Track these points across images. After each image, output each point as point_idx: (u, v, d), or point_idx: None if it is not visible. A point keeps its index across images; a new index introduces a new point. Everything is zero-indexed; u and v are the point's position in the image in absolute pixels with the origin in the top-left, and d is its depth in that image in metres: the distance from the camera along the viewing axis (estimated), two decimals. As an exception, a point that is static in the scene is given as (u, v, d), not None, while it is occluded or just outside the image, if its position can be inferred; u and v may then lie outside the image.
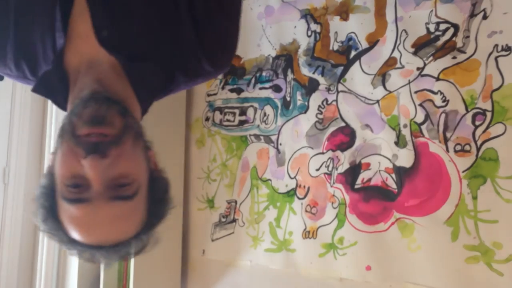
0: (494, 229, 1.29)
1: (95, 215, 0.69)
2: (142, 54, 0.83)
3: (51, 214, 0.71)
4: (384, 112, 1.54)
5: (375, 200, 1.52)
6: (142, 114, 0.84)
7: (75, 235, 0.70)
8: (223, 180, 1.96)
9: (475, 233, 1.32)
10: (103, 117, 0.69)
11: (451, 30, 1.42)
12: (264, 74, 1.88)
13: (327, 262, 1.60)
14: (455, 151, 1.39)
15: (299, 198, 1.71)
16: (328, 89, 1.68)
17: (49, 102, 2.21)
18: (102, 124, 0.68)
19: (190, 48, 0.84)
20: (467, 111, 1.37)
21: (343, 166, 1.61)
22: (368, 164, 1.55)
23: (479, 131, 1.35)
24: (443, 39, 1.44)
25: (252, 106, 1.90)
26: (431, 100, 1.44)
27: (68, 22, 0.80)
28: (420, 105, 1.46)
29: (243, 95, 1.94)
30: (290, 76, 1.79)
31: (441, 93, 1.43)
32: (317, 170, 1.67)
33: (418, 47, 1.49)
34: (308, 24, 1.76)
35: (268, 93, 1.85)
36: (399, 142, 1.49)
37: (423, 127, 1.45)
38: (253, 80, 1.91)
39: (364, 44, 1.61)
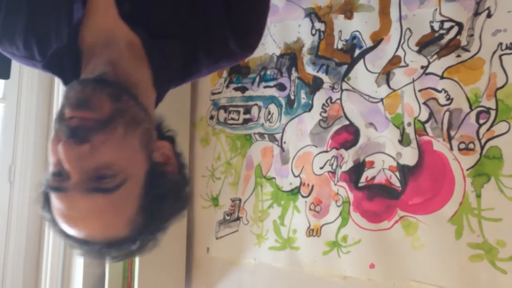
0: (497, 227, 1.29)
1: (72, 206, 0.63)
2: (165, 31, 0.76)
3: (46, 204, 0.67)
4: (388, 111, 1.54)
5: (379, 198, 1.52)
6: (157, 102, 0.78)
7: (63, 227, 0.66)
8: (228, 178, 1.96)
9: (478, 231, 1.32)
10: (88, 99, 0.63)
11: (455, 29, 1.42)
12: (268, 72, 1.88)
13: (331, 260, 1.61)
14: (459, 150, 1.38)
15: (303, 196, 1.71)
16: (332, 88, 1.68)
17: (55, 100, 2.23)
18: (85, 108, 0.62)
19: (217, 24, 0.78)
20: (471, 110, 1.37)
21: (347, 165, 1.61)
22: (372, 162, 1.55)
23: (483, 129, 1.35)
24: (447, 37, 1.44)
25: (256, 104, 1.91)
26: (435, 99, 1.44)
27: None
28: (424, 103, 1.46)
29: (247, 93, 1.95)
30: (294, 74, 1.80)
31: (445, 91, 1.43)
32: (321, 168, 1.68)
33: (422, 45, 1.49)
34: (313, 23, 1.77)
35: (273, 92, 1.86)
36: (403, 140, 1.49)
37: (427, 125, 1.45)
38: (257, 79, 1.91)
39: (368, 43, 1.61)
